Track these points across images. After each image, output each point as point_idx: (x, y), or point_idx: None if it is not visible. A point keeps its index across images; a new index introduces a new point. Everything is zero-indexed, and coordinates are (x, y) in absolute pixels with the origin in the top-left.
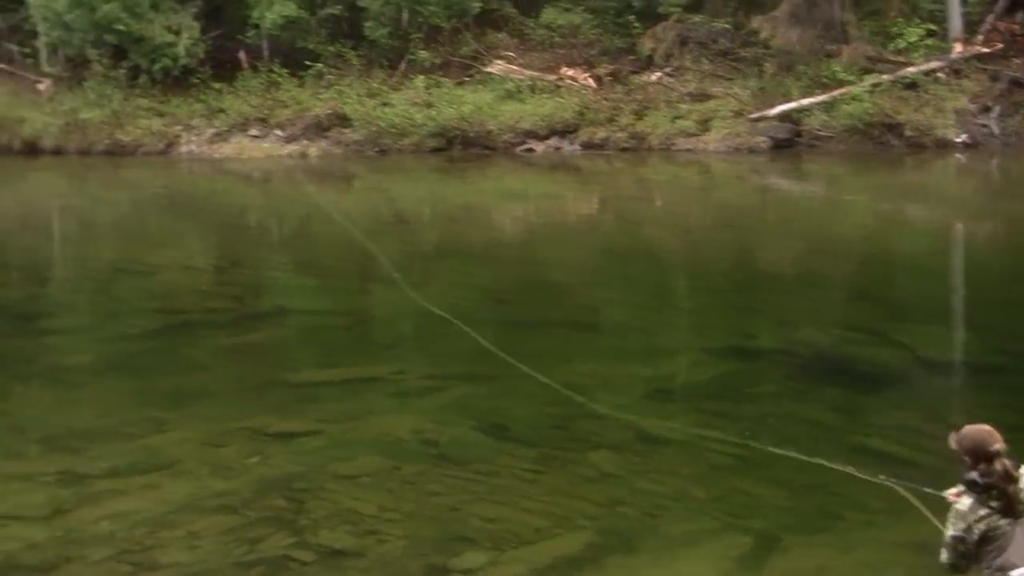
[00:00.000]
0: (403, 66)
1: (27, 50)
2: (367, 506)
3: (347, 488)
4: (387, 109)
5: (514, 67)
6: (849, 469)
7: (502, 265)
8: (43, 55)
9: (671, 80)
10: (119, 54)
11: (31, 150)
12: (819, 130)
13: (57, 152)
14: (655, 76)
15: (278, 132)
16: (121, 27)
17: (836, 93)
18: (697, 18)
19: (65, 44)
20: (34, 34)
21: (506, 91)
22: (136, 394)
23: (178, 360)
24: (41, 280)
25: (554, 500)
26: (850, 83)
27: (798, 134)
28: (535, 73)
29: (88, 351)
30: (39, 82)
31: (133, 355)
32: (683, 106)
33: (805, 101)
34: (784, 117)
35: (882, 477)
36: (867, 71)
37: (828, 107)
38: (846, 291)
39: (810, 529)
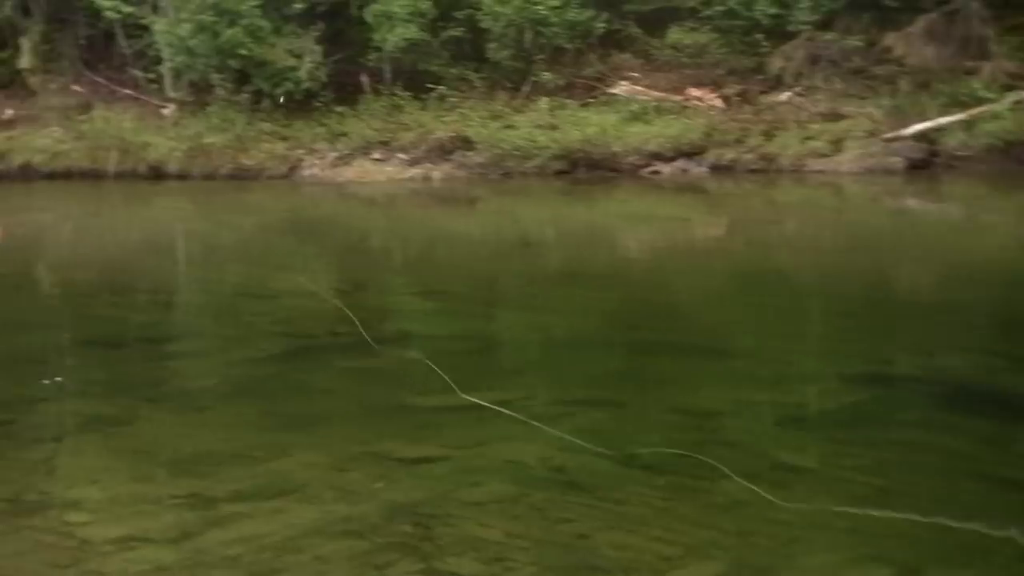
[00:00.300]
0: (526, 88)
1: (152, 75)
2: (494, 533)
3: (474, 514)
4: (511, 131)
5: (639, 88)
6: (974, 526)
7: (628, 289)
8: (167, 80)
9: (801, 100)
10: (242, 78)
11: (156, 174)
12: (957, 150)
13: (181, 176)
14: (785, 96)
15: (401, 155)
16: (244, 52)
17: (976, 111)
18: (828, 36)
19: (189, 69)
20: (158, 60)
21: (631, 112)
22: (262, 418)
23: (303, 384)
24: (166, 304)
25: (685, 529)
26: (990, 101)
27: (934, 154)
28: (661, 94)
29: (214, 375)
30: (163, 107)
31: (258, 379)
32: (814, 126)
33: (942, 120)
34: (920, 137)
35: (1014, 531)
36: (1009, 88)
37: (967, 126)
38: (989, 316)
39: (955, 563)
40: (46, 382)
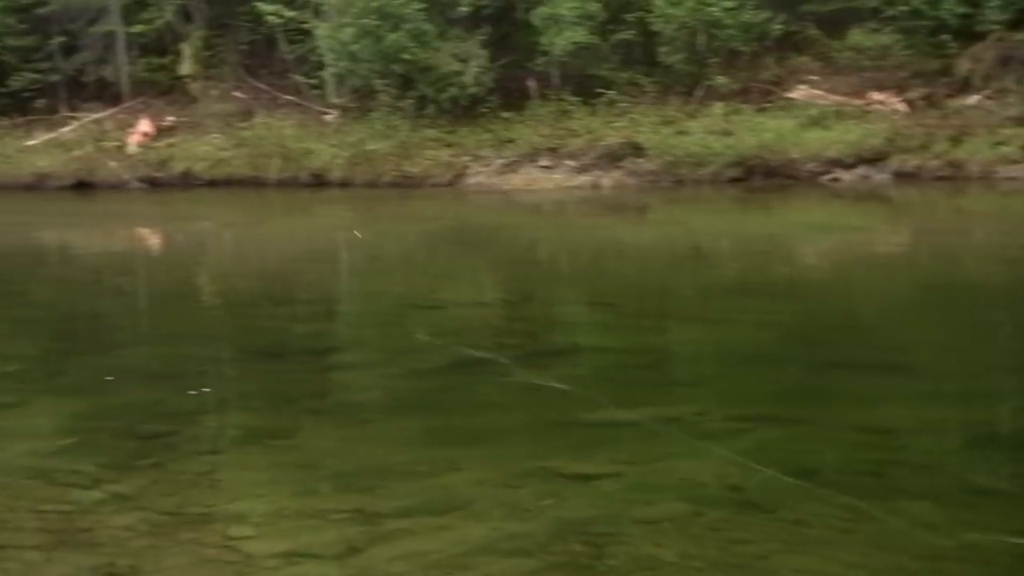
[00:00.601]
0: (700, 92)
1: (314, 81)
2: (668, 553)
3: (647, 533)
4: (683, 137)
5: (818, 92)
6: None
7: (806, 302)
8: (330, 86)
9: (991, 103)
10: (406, 84)
11: (319, 182)
12: None
13: (344, 184)
14: (974, 99)
15: (569, 162)
16: (408, 56)
17: None
18: (1020, 36)
19: (351, 75)
20: (321, 65)
21: (809, 117)
22: (427, 432)
23: (470, 397)
24: (329, 314)
25: (869, 552)
26: None
27: None
28: (841, 98)
29: (378, 387)
30: (326, 113)
31: (424, 392)
32: (1006, 131)
33: None
34: None
35: None
36: None
37: None
38: None
39: None
40: (192, 393)
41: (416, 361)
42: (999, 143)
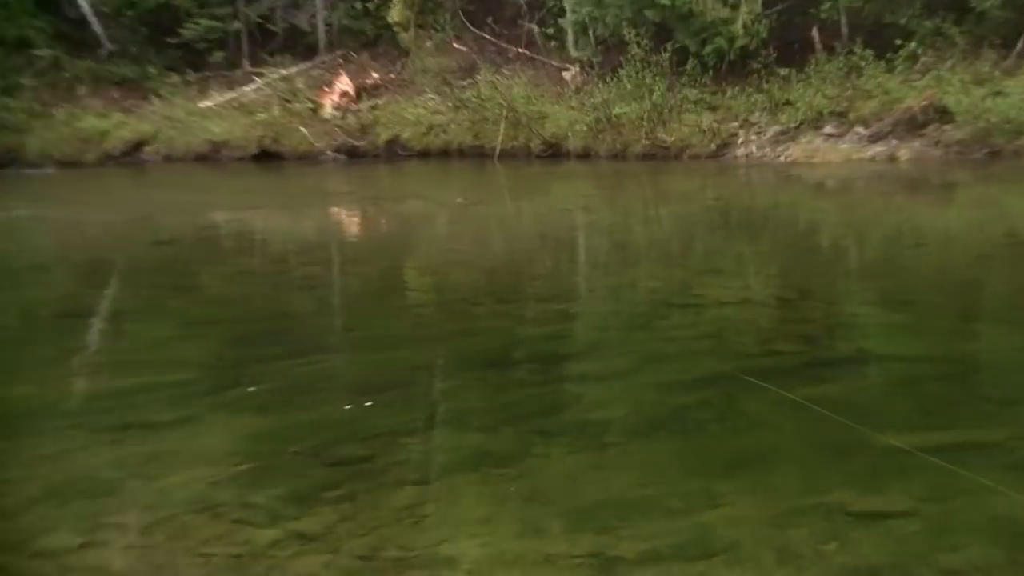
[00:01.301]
0: (1021, 45)
1: (550, 31)
2: None
3: None
4: (1000, 100)
5: None
6: None
7: None
8: (569, 37)
9: None
10: (662, 34)
11: (553, 152)
12: None
13: (584, 155)
14: None
15: (860, 130)
16: (665, 1)
17: None
18: None
19: (596, 23)
20: (560, 11)
21: None
22: (682, 458)
23: (734, 416)
24: (564, 314)
25: None
26: None
27: None
28: None
29: (622, 403)
30: (565, 70)
31: (678, 409)
32: None
33: None
34: None
35: None
36: None
37: None
38: None
39: None
40: (347, 407)
41: (668, 371)
42: None
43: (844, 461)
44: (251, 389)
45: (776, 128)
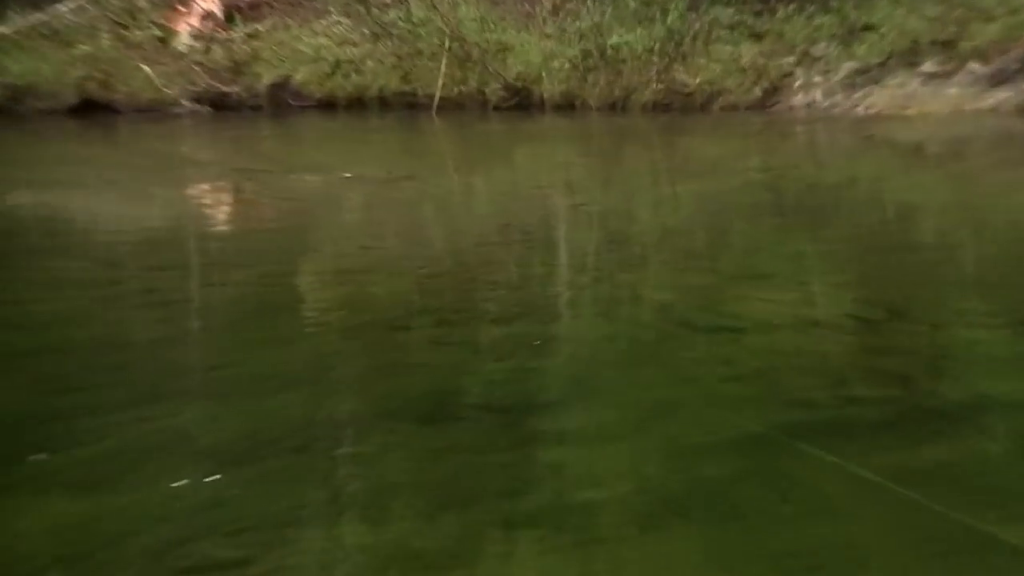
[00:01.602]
0: None
1: None
2: None
3: None
4: None
5: None
6: None
7: None
8: None
9: None
10: None
11: (520, 102)
12: None
13: (565, 106)
14: None
15: (975, 67)
16: None
17: None
18: None
19: None
20: None
21: None
22: (710, 559)
23: (784, 494)
24: (536, 344)
25: None
26: None
27: None
28: None
29: (622, 475)
30: None
31: (703, 485)
32: None
33: None
34: None
35: None
36: None
37: None
38: None
39: None
40: (209, 480)
41: (688, 429)
42: None
43: (951, 558)
44: (56, 457)
45: (851, 65)
